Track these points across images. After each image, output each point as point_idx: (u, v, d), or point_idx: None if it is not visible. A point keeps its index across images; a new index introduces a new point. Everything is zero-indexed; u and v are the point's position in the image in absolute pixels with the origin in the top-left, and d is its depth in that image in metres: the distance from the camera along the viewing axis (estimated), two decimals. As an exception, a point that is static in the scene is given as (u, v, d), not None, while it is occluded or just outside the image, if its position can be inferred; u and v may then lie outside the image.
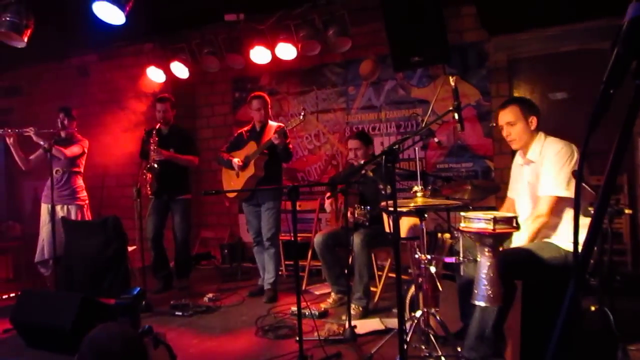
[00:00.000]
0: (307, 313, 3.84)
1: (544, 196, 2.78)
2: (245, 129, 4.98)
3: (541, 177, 2.81)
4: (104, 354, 2.06)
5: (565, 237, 2.79)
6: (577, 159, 2.73)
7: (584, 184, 2.55)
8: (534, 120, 2.91)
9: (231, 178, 4.81)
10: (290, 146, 4.72)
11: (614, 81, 0.83)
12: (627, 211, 2.94)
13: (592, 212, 2.47)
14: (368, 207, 4.08)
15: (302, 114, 4.35)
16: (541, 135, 2.92)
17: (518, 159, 3.11)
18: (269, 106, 4.89)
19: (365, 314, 4.06)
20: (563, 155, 2.74)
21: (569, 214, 2.80)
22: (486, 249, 2.47)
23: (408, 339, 2.85)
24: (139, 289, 3.49)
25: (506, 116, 2.99)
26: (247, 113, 4.94)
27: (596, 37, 4.65)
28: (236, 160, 4.67)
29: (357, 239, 4.01)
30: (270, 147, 4.55)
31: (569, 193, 2.69)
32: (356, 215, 4.01)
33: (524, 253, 2.73)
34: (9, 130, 4.71)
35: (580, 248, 0.89)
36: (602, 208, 0.83)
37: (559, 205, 2.76)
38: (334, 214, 4.61)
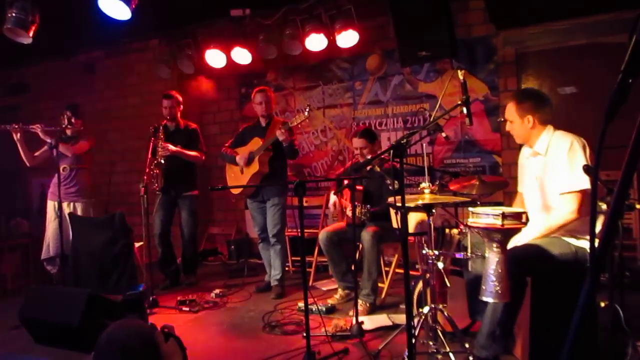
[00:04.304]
0: (314, 309, 3.83)
1: (569, 194, 2.69)
2: (250, 124, 4.97)
3: (558, 174, 2.75)
4: (125, 350, 2.05)
5: (574, 233, 2.76)
6: (589, 152, 2.70)
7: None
8: (530, 119, 2.87)
9: (235, 175, 4.80)
10: (296, 143, 4.69)
11: (633, 70, 0.81)
12: (637, 206, 2.91)
13: (604, 207, 2.44)
14: (368, 206, 4.05)
15: (307, 110, 4.32)
16: (550, 128, 2.88)
17: (525, 151, 3.08)
18: (273, 101, 4.86)
19: (373, 310, 4.04)
20: (576, 150, 2.70)
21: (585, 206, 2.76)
22: (494, 245, 2.45)
23: (416, 335, 2.83)
24: (142, 285, 3.49)
25: (506, 112, 3.01)
26: (253, 109, 4.92)
27: (605, 30, 4.59)
28: (239, 157, 4.67)
29: (367, 235, 3.99)
30: (275, 143, 4.53)
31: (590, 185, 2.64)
32: (357, 214, 3.98)
33: (534, 249, 2.70)
34: (16, 126, 4.73)
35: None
36: (619, 204, 0.81)
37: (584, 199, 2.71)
38: (339, 210, 4.59)
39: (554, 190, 2.78)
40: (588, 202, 2.70)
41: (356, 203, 3.99)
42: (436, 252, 2.82)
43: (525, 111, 2.89)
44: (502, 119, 3.09)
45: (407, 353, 2.49)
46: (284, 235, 4.83)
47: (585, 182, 2.65)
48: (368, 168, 4.01)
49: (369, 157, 4.22)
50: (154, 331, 2.37)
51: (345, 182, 4.23)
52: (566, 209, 2.71)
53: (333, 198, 4.54)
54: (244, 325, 3.93)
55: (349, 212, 4.18)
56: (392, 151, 2.55)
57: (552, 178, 2.80)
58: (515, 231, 2.51)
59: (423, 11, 4.67)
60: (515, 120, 2.94)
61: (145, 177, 4.59)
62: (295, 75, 6.42)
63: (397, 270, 4.46)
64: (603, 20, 4.55)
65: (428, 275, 2.90)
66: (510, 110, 2.96)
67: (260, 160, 4.58)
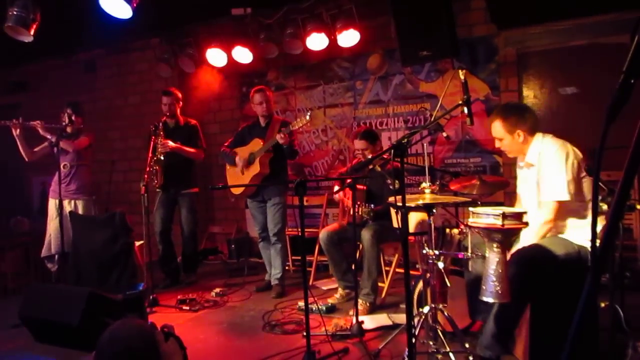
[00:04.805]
0: (314, 308, 3.82)
1: (546, 202, 2.76)
2: (250, 123, 4.96)
3: (541, 182, 2.79)
4: (127, 350, 2.04)
5: (575, 232, 2.77)
6: (572, 160, 2.72)
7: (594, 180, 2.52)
8: (520, 133, 2.88)
9: (236, 175, 4.79)
10: (296, 143, 4.68)
11: (635, 71, 0.81)
12: (638, 207, 2.92)
13: (605, 208, 2.44)
14: (372, 205, 4.05)
15: (309, 114, 4.28)
16: (539, 136, 2.89)
17: (519, 162, 3.08)
18: (272, 100, 4.85)
19: (373, 309, 4.04)
20: (559, 158, 2.72)
21: (577, 211, 2.78)
22: (495, 245, 2.45)
23: (416, 335, 2.83)
24: (142, 284, 3.48)
25: (493, 131, 3.00)
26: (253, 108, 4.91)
27: (606, 31, 4.59)
28: (238, 158, 4.66)
29: (367, 235, 3.99)
30: (276, 145, 4.52)
31: (569, 196, 2.68)
32: (360, 213, 3.98)
33: (539, 249, 2.70)
34: (16, 122, 4.73)
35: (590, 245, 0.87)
36: (620, 204, 0.80)
37: (564, 207, 2.74)
38: (341, 209, 4.59)
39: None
40: (572, 205, 2.73)
41: (360, 202, 4.00)
42: (436, 252, 2.82)
43: (513, 126, 2.89)
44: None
45: (407, 353, 2.49)
46: (284, 234, 4.83)
47: (559, 194, 2.69)
48: (369, 167, 4.02)
49: (369, 157, 4.22)
50: (155, 331, 2.37)
51: (347, 181, 4.22)
52: (541, 218, 2.77)
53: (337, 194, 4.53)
54: (244, 324, 3.93)
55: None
56: (392, 151, 2.55)
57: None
58: (515, 231, 2.52)
59: (424, 11, 4.67)
60: (505, 137, 2.94)
61: (145, 176, 4.59)
62: (296, 75, 6.41)
63: (398, 270, 4.46)
64: (604, 21, 4.54)
65: (428, 275, 2.90)
66: (497, 128, 2.95)
67: (261, 162, 4.58)
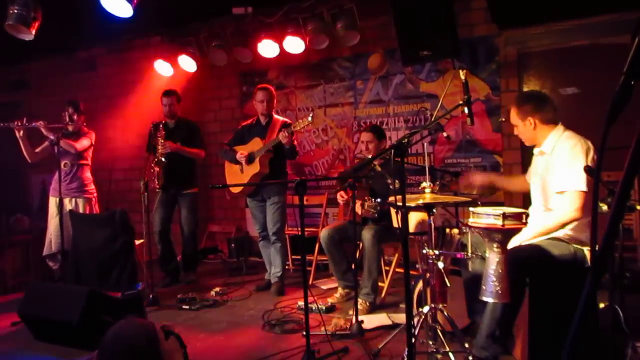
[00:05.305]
0: (314, 308, 3.83)
1: (572, 192, 2.67)
2: (250, 122, 4.96)
3: (560, 173, 2.75)
4: (131, 349, 2.04)
5: (573, 234, 2.76)
6: (593, 155, 2.70)
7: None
8: (531, 121, 2.89)
9: (235, 174, 4.78)
10: (296, 143, 4.68)
11: (635, 72, 0.81)
12: (638, 207, 2.91)
13: (605, 209, 2.43)
14: (378, 200, 4.04)
15: (311, 115, 4.27)
16: (559, 128, 2.88)
17: (535, 150, 3.09)
18: (274, 99, 4.85)
19: (373, 309, 4.04)
20: (579, 150, 2.70)
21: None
22: (495, 245, 2.45)
23: (416, 334, 2.83)
24: (140, 284, 3.47)
25: (510, 118, 3.05)
26: (254, 107, 4.90)
27: (608, 31, 4.58)
28: (240, 154, 4.66)
29: (367, 235, 3.99)
30: (276, 145, 4.52)
31: (587, 187, 2.65)
32: (366, 207, 3.97)
33: (534, 250, 2.70)
34: (19, 124, 4.72)
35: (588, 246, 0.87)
36: (621, 205, 0.80)
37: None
38: (342, 208, 4.59)
39: (552, 190, 2.79)
40: (587, 204, 2.71)
41: (366, 198, 3.99)
42: (436, 252, 2.82)
43: (526, 114, 2.91)
44: (503, 119, 3.11)
45: (406, 352, 2.49)
46: (284, 233, 4.83)
47: (581, 184, 2.65)
48: (371, 166, 4.02)
49: (369, 156, 4.22)
50: (156, 329, 2.37)
51: (349, 180, 4.22)
52: (567, 208, 2.69)
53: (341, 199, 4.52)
54: (244, 323, 3.93)
55: (357, 209, 4.17)
56: (393, 150, 2.55)
57: (552, 177, 2.80)
58: (515, 231, 2.51)
59: (425, 10, 4.67)
60: (518, 124, 2.97)
61: (145, 175, 4.59)
62: (296, 74, 6.41)
63: (397, 270, 4.46)
64: (606, 21, 4.54)
65: (428, 274, 2.90)
66: (513, 115, 2.99)
67: (261, 162, 4.58)
